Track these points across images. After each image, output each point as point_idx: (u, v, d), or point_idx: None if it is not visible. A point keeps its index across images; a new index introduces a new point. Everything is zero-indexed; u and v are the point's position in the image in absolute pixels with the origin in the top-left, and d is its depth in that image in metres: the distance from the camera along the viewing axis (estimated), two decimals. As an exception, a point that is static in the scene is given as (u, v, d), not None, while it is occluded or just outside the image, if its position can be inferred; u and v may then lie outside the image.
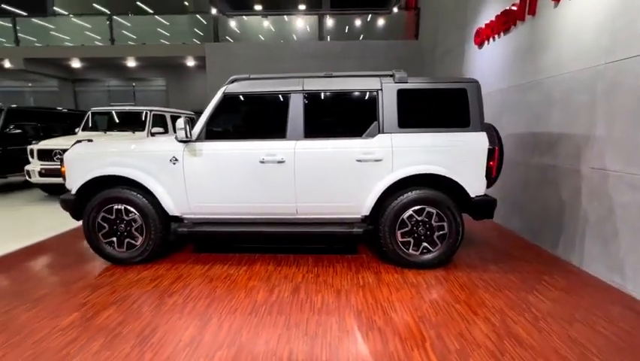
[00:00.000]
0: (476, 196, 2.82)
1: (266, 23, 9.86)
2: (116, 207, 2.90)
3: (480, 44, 4.87)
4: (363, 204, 2.84)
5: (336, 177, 2.81)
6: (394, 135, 2.82)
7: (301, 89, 2.87)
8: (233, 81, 2.98)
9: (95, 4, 11.56)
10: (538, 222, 3.50)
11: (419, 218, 2.80)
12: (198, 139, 2.89)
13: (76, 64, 9.75)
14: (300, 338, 1.93)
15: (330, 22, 9.97)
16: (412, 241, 2.84)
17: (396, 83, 2.85)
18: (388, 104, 2.83)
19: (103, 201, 2.88)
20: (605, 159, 2.67)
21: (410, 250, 2.86)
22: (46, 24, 10.11)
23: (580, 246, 2.93)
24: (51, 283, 2.69)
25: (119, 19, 9.61)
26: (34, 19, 9.95)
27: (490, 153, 2.77)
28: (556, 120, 3.25)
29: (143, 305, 2.31)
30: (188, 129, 2.73)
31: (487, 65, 4.70)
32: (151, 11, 11.05)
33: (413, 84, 2.86)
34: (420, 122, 2.86)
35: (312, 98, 2.89)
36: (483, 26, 4.70)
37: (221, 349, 1.83)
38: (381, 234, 2.84)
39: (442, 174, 2.74)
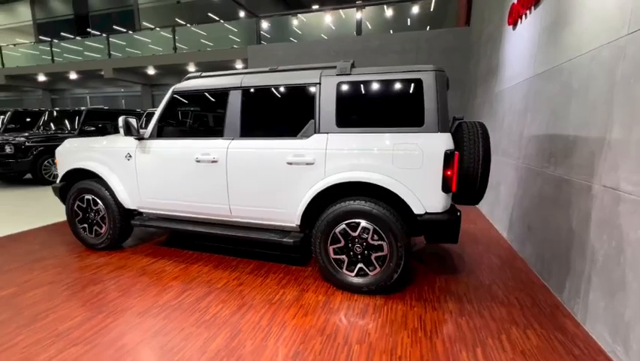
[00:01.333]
0: (427, 213, 2.26)
1: (327, 20, 9.82)
2: (86, 197, 3.21)
3: (514, 24, 3.92)
4: (294, 212, 2.55)
5: (267, 181, 2.58)
6: (331, 136, 2.44)
7: (239, 85, 2.72)
8: (188, 79, 3.00)
9: (177, 19, 13.21)
10: (549, 253, 2.64)
11: (354, 234, 2.38)
12: (151, 136, 2.99)
13: (151, 71, 11.41)
14: (150, 351, 1.81)
15: (382, 13, 9.41)
16: (346, 259, 2.43)
17: (337, 75, 2.47)
18: (326, 100, 2.47)
19: (77, 191, 3.22)
20: (619, 173, 1.84)
21: (344, 270, 2.45)
22: (141, 37, 12.04)
23: (585, 294, 2.10)
24: (27, 259, 3.10)
25: (195, 29, 10.85)
26: (135, 35, 11.99)
27: (448, 159, 2.18)
28: (573, 118, 2.39)
29: (66, 290, 2.49)
30: (132, 127, 2.84)
31: (518, 49, 3.76)
32: (217, 19, 12.11)
33: (356, 76, 2.43)
34: (363, 121, 2.42)
35: (249, 94, 2.71)
36: (515, 1, 3.77)
37: (75, 346, 1.84)
38: (313, 247, 2.50)
39: (374, 182, 2.27)
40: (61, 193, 3.37)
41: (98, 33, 12.24)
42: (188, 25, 11.10)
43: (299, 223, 2.55)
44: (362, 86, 2.43)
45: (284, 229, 2.70)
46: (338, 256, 2.45)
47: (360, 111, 2.45)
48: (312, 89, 2.52)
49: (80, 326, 2.04)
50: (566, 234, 2.37)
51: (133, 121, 2.85)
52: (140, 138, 2.99)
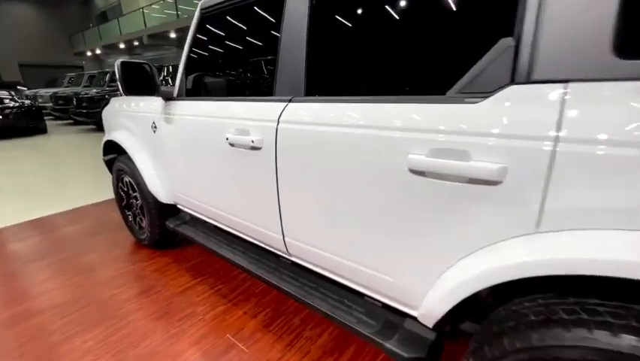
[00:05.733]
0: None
1: None
2: (125, 178, 2.41)
3: None
4: (428, 290, 1.01)
5: (369, 205, 1.09)
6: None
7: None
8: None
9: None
10: None
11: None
12: (179, 95, 1.83)
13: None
14: None
15: None
16: None
17: None
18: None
19: (117, 169, 2.45)
20: None
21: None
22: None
23: None
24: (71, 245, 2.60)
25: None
26: None
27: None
28: None
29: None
30: (144, 80, 1.71)
31: None
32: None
33: None
34: None
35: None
36: None
37: None
38: None
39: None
40: (110, 168, 2.69)
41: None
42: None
43: (438, 317, 1.01)
44: None
45: (403, 313, 1.20)
46: None
47: None
48: None
49: None
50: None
51: (144, 69, 1.71)
52: (169, 98, 1.87)
